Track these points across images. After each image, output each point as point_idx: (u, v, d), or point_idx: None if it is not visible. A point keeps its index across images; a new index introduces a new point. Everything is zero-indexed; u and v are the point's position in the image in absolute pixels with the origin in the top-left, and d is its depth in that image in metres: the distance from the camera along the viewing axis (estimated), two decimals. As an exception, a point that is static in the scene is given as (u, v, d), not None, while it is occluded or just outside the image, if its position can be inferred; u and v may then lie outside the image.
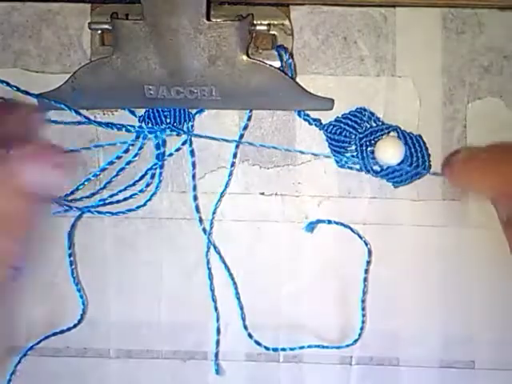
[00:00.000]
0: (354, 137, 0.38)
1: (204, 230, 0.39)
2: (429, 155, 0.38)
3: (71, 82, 0.37)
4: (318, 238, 0.39)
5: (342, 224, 0.39)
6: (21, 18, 0.39)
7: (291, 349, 0.39)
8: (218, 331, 0.39)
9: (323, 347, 0.39)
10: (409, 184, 0.38)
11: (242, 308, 0.39)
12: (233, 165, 0.39)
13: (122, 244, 0.39)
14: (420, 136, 0.38)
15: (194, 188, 0.39)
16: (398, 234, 0.39)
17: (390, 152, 0.37)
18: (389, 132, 0.38)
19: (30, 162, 0.32)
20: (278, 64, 0.37)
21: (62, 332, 0.39)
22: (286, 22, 0.38)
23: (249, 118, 0.39)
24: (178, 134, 0.39)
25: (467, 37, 0.38)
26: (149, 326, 0.40)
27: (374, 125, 0.38)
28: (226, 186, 0.39)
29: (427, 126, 0.38)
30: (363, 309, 0.39)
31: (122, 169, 0.39)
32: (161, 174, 0.39)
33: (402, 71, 0.39)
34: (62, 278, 0.39)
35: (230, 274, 0.39)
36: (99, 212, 0.39)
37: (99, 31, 0.38)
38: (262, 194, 0.39)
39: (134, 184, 0.39)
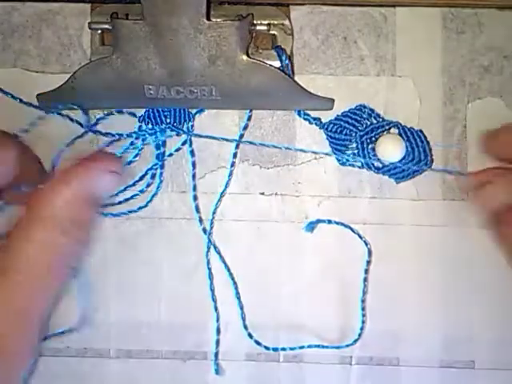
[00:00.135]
0: (354, 134, 0.38)
1: (204, 229, 0.39)
2: (430, 150, 0.38)
3: (71, 82, 0.37)
4: (318, 238, 0.39)
5: (342, 224, 0.39)
6: (21, 18, 0.39)
7: (291, 349, 0.39)
8: (218, 331, 0.39)
9: (323, 347, 0.39)
10: (411, 179, 0.38)
11: (242, 308, 0.39)
12: (233, 165, 0.39)
13: (122, 244, 0.39)
14: (421, 131, 0.38)
15: (194, 188, 0.39)
16: (398, 234, 0.39)
17: (390, 148, 0.37)
18: (389, 128, 0.38)
19: (96, 170, 0.34)
20: (277, 64, 0.37)
21: (63, 333, 0.39)
22: (286, 22, 0.38)
23: (249, 118, 0.39)
24: (178, 134, 0.39)
25: (467, 37, 0.39)
26: (149, 326, 0.40)
27: (375, 122, 0.38)
28: (226, 186, 0.39)
29: (427, 125, 0.38)
30: (363, 309, 0.39)
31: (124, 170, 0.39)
32: (161, 174, 0.39)
33: (402, 71, 0.39)
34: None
35: (230, 274, 0.39)
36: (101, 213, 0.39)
37: (99, 31, 0.38)
38: (262, 193, 0.39)
39: (134, 184, 0.39)
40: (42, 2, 0.39)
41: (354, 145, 0.38)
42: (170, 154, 0.39)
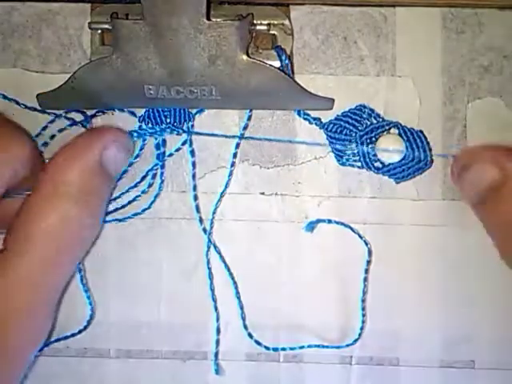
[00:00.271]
0: (354, 134, 0.38)
1: (204, 229, 0.39)
2: (430, 150, 0.38)
3: (71, 82, 0.37)
4: (318, 237, 0.39)
5: (342, 224, 0.39)
6: (21, 18, 0.39)
7: (291, 348, 0.39)
8: (218, 331, 0.39)
9: (323, 347, 0.39)
10: (411, 179, 0.38)
11: (242, 308, 0.39)
12: (233, 165, 0.39)
13: (122, 244, 0.39)
14: (421, 131, 0.38)
15: (194, 188, 0.39)
16: (398, 234, 0.39)
17: (390, 149, 0.37)
18: (389, 128, 0.38)
19: (108, 138, 0.34)
20: (277, 64, 0.37)
21: (70, 336, 0.39)
22: (286, 22, 0.38)
23: (249, 118, 0.39)
24: (178, 134, 0.39)
25: (467, 37, 0.39)
26: (149, 326, 0.40)
27: (375, 122, 0.38)
28: (226, 186, 0.39)
29: (427, 125, 0.38)
30: (363, 309, 0.39)
31: (125, 171, 0.39)
32: (162, 174, 0.39)
33: (402, 71, 0.39)
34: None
35: (230, 274, 0.39)
36: (106, 221, 0.39)
37: (99, 31, 0.38)
38: (262, 193, 0.39)
39: (135, 186, 0.39)
40: (42, 1, 0.39)
41: (354, 145, 0.38)
42: (170, 154, 0.39)
